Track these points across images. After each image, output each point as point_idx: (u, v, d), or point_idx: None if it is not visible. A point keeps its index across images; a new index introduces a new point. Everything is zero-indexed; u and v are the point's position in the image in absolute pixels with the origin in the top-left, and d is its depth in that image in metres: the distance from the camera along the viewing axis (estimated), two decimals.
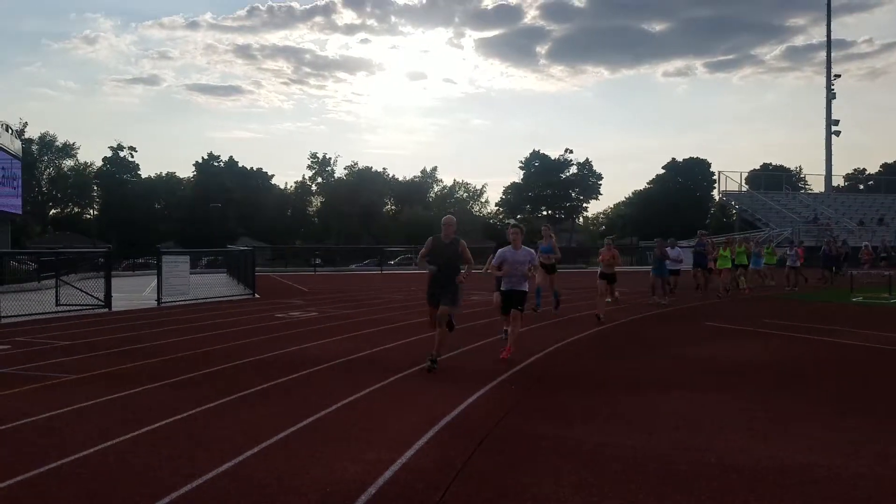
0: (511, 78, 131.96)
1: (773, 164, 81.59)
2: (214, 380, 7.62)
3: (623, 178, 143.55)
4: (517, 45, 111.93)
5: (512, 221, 12.77)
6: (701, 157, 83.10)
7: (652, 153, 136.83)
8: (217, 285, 22.27)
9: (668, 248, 17.44)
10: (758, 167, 75.46)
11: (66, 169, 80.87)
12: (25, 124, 73.40)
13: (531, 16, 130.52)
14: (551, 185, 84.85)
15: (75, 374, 7.86)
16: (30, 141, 72.54)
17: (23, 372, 8.00)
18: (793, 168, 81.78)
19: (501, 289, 8.99)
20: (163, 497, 4.02)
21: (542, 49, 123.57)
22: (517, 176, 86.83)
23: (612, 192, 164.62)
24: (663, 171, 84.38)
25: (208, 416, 6.01)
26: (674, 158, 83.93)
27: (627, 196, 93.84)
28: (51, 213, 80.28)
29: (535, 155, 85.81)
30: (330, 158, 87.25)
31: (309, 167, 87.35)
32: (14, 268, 22.20)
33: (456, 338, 10.49)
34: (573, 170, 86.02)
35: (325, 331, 11.92)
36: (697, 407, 6.43)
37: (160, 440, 5.26)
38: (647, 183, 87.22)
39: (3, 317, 13.33)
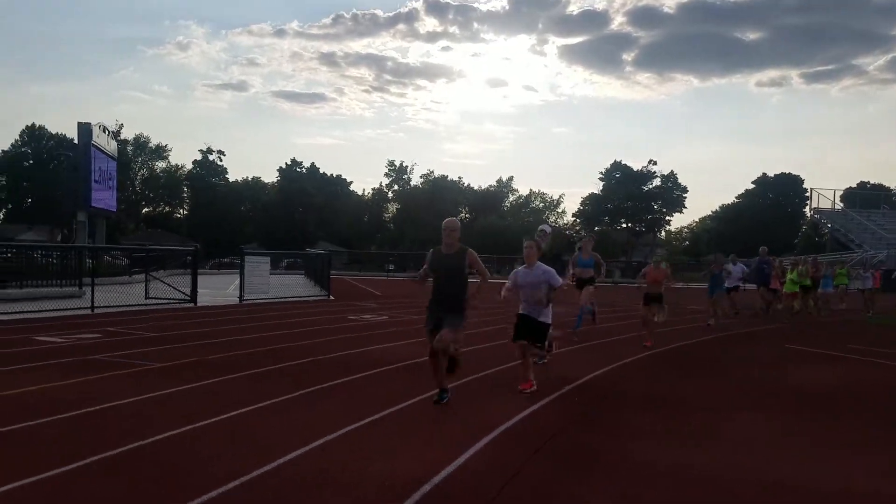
0: (595, 85, 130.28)
1: (871, 182, 77.45)
2: (287, 374, 7.96)
3: (710, 191, 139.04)
4: (602, 51, 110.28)
5: (526, 240, 7.76)
6: (793, 172, 79.79)
7: (741, 166, 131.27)
8: (295, 286, 23.03)
9: (728, 265, 16.48)
10: (854, 185, 71.80)
11: (158, 170, 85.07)
12: (121, 126, 77.73)
13: (618, 22, 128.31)
14: (632, 196, 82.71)
15: (159, 363, 8.36)
16: (125, 142, 76.64)
17: (111, 359, 8.57)
18: (893, 187, 77.34)
19: (520, 311, 7.31)
20: (230, 482, 4.27)
21: (628, 56, 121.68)
22: (596, 187, 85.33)
23: (698, 206, 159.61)
24: (753, 185, 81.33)
25: (279, 408, 6.30)
26: (764, 173, 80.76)
27: (714, 210, 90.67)
28: (143, 211, 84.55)
29: (617, 165, 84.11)
30: (407, 166, 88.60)
31: (386, 174, 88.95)
32: (108, 262, 23.65)
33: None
34: (657, 182, 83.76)
35: (393, 334, 12.17)
36: (764, 429, 6.27)
37: (232, 428, 5.56)
38: (736, 197, 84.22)
39: (97, 307, 14.25)
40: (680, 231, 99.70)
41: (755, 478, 4.75)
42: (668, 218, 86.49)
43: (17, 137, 74.12)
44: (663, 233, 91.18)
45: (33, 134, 73.68)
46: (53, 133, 72.43)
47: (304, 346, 10.22)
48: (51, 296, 15.21)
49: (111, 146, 31.58)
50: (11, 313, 12.55)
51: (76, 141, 28.76)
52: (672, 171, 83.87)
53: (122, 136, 76.15)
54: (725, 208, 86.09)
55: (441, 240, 6.59)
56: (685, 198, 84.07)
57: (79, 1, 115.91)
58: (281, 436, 5.34)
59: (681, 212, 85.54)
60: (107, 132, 31.11)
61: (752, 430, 6.20)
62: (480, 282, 6.61)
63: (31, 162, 71.64)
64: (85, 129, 27.44)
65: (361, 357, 9.45)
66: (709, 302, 15.85)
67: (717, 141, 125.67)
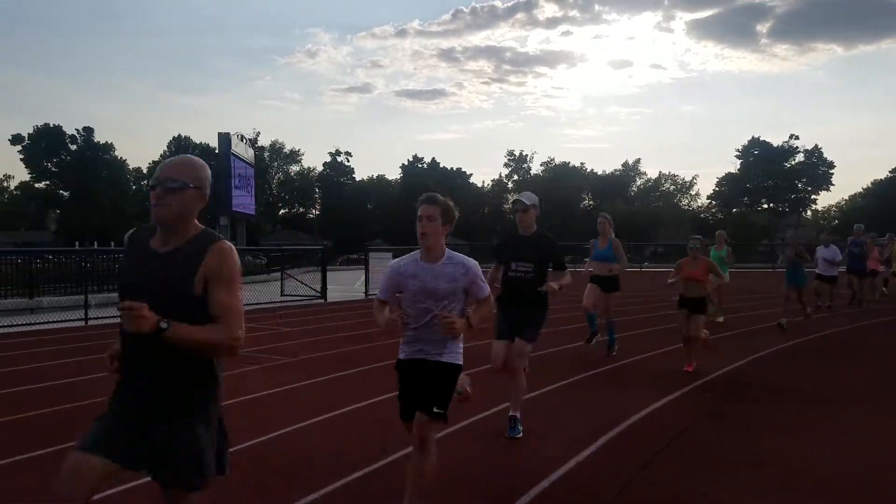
0: (727, 60, 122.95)
1: None
2: None
3: (859, 166, 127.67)
4: (734, 24, 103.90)
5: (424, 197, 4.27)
6: None
7: (895, 138, 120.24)
8: None
9: (822, 247, 13.35)
10: None
11: (292, 173, 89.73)
12: (258, 134, 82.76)
13: None
14: (773, 175, 77.28)
15: (293, 358, 8.84)
16: (262, 149, 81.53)
17: (249, 354, 9.15)
18: None
19: (399, 357, 4.07)
20: (360, 469, 4.45)
21: (763, 27, 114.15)
22: (733, 166, 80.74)
23: (847, 183, 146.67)
24: None
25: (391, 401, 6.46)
26: None
27: (865, 187, 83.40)
28: (280, 213, 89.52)
29: (755, 142, 78.97)
30: (526, 155, 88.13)
31: (506, 165, 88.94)
32: (249, 262, 25.26)
33: (647, 341, 10.22)
34: (799, 157, 77.97)
35: None
36: None
37: (360, 418, 5.79)
38: (889, 171, 77.06)
39: None
40: (828, 210, 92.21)
41: None
42: (813, 196, 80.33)
43: (165, 148, 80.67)
44: (809, 212, 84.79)
45: (179, 144, 79.88)
46: (198, 143, 78.15)
47: None
48: None
49: (248, 153, 33.68)
50: None
51: (217, 150, 30.96)
52: (816, 146, 77.83)
53: (259, 143, 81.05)
54: (878, 184, 78.79)
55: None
56: (832, 174, 77.78)
57: (219, 17, 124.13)
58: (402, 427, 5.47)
59: (828, 189, 79.21)
60: (244, 140, 33.23)
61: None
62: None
63: None
64: (224, 138, 29.44)
65: (477, 351, 9.50)
66: (786, 291, 12.01)
67: (865, 112, 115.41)
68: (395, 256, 23.83)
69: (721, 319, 12.15)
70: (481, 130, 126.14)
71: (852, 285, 14.75)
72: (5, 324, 11.71)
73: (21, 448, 4.91)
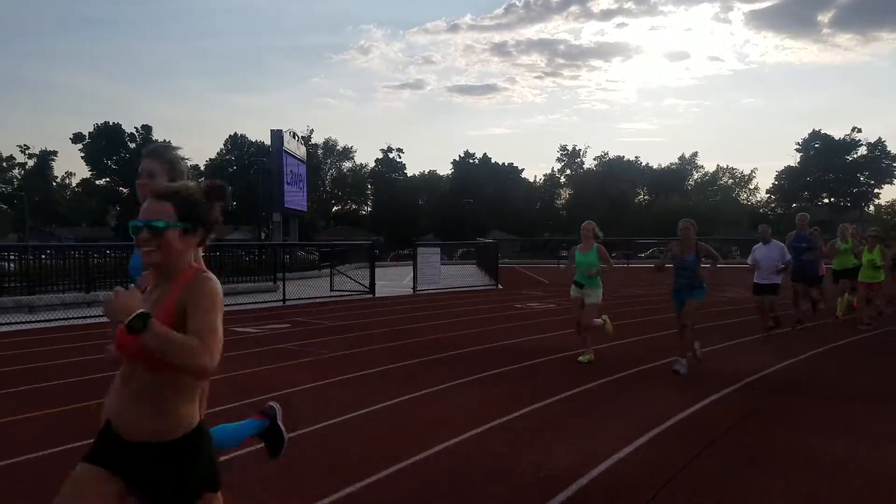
0: (787, 51, 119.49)
1: None
2: (450, 363, 8.17)
3: None
4: (795, 14, 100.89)
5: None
6: None
7: None
8: (465, 276, 23.60)
9: (759, 245, 9.88)
10: None
11: (345, 170, 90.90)
12: (312, 131, 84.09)
13: None
14: (835, 168, 74.71)
15: (341, 352, 8.96)
16: (316, 146, 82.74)
17: (297, 348, 9.31)
18: None
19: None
20: (390, 467, 4.47)
21: (824, 17, 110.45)
22: (793, 159, 78.48)
23: None
24: None
25: (440, 395, 6.49)
26: None
27: None
28: (333, 209, 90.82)
29: (816, 135, 76.43)
30: (580, 150, 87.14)
31: (558, 159, 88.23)
32: (302, 258, 25.71)
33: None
34: (862, 151, 75.13)
35: (559, 323, 12.03)
36: None
37: (396, 414, 5.83)
38: None
39: (288, 300, 15.56)
40: (891, 204, 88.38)
41: None
42: (876, 190, 77.28)
43: (222, 146, 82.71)
44: (871, 207, 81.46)
45: (236, 142, 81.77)
46: (253, 141, 79.89)
47: (469, 336, 10.42)
48: (248, 291, 16.84)
49: (301, 151, 34.20)
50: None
51: (270, 147, 31.54)
52: (880, 139, 74.85)
53: (313, 141, 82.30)
54: None
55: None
56: (895, 167, 74.62)
57: (273, 16, 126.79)
58: (440, 422, 5.49)
59: (891, 183, 76.05)
60: (296, 137, 33.76)
61: None
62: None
63: (234, 168, 79.61)
64: (277, 135, 29.98)
65: (524, 346, 9.46)
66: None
67: None
68: (447, 251, 23.90)
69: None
70: (533, 125, 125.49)
71: (806, 295, 11.63)
72: (62, 317, 12.23)
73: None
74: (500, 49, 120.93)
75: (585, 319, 8.06)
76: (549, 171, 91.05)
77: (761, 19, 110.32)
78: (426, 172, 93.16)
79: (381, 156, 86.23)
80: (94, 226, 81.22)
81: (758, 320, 10.01)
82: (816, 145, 75.96)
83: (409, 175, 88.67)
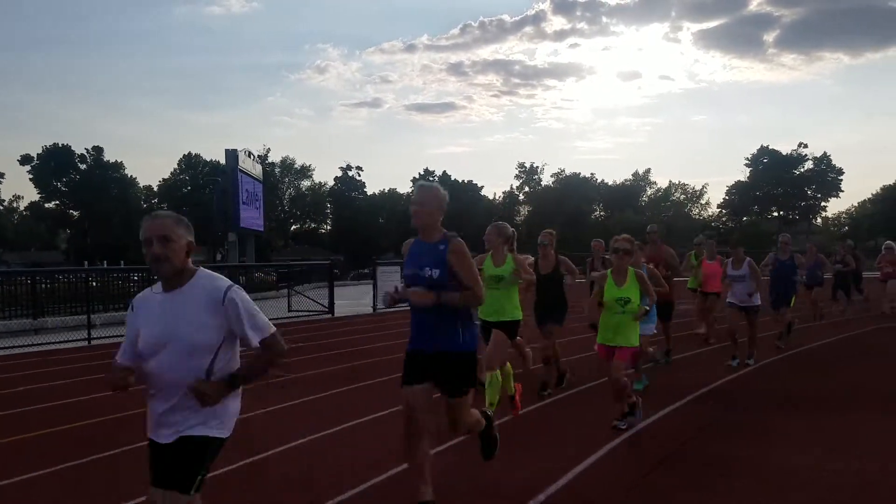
0: (735, 70, 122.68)
1: None
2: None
3: (868, 173, 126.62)
4: (741, 34, 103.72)
5: None
6: None
7: None
8: None
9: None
10: None
11: (303, 189, 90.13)
12: (268, 150, 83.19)
13: (757, 2, 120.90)
14: (783, 182, 77.27)
15: (296, 374, 8.81)
16: (273, 164, 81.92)
17: None
18: None
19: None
20: (356, 486, 4.41)
21: (769, 37, 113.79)
22: (742, 174, 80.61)
23: (856, 190, 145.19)
24: None
25: (389, 418, 6.42)
26: None
27: (874, 192, 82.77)
28: (292, 228, 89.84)
29: (764, 151, 78.92)
30: (537, 167, 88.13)
31: (517, 177, 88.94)
32: (260, 278, 25.35)
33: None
34: (808, 165, 77.87)
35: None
36: None
37: (355, 436, 5.77)
38: None
39: None
40: (838, 216, 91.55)
41: None
42: (823, 203, 79.99)
43: (176, 166, 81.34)
44: (819, 219, 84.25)
45: (190, 162, 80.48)
46: (208, 160, 78.75)
47: None
48: None
49: (256, 170, 33.86)
50: None
51: (225, 167, 31.17)
52: (825, 154, 77.56)
53: (270, 159, 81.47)
54: (887, 189, 78.20)
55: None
56: (841, 181, 77.46)
57: (228, 34, 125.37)
58: (391, 445, 5.44)
59: (837, 196, 78.91)
60: (252, 157, 33.40)
61: None
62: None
63: (188, 188, 78.25)
64: (231, 155, 29.64)
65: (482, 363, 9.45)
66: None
67: (873, 120, 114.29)
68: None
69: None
70: (492, 143, 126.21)
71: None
72: (7, 345, 11.83)
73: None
74: (456, 69, 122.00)
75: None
76: (507, 189, 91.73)
77: (709, 39, 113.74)
78: (386, 191, 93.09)
79: (340, 174, 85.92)
80: (43, 250, 78.86)
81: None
82: (765, 160, 78.42)
83: (369, 193, 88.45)
